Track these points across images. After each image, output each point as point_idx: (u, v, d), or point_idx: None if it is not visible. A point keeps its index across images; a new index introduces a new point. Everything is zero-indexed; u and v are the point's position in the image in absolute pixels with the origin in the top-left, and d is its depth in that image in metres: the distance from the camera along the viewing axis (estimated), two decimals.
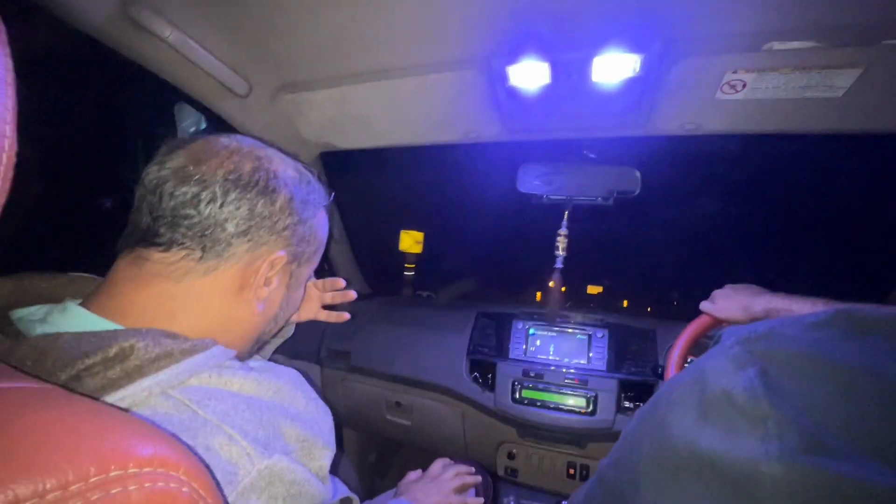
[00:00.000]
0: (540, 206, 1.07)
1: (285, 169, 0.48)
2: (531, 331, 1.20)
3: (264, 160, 0.46)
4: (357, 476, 1.48)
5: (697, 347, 0.92)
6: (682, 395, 0.31)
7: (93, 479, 0.18)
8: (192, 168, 0.42)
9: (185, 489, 0.21)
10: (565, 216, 1.01)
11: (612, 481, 0.35)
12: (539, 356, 1.17)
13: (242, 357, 0.51)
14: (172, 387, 0.36)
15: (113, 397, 0.33)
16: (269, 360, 1.19)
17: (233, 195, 0.43)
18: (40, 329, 0.39)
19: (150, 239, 0.42)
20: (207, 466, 0.31)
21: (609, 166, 0.96)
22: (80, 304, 0.41)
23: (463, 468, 0.84)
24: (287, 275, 0.51)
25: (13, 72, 0.28)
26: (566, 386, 1.09)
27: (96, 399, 0.31)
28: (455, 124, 0.93)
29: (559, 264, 1.03)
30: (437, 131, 0.96)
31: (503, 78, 0.77)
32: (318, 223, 0.53)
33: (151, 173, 0.43)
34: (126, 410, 0.33)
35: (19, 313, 0.41)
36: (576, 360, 1.13)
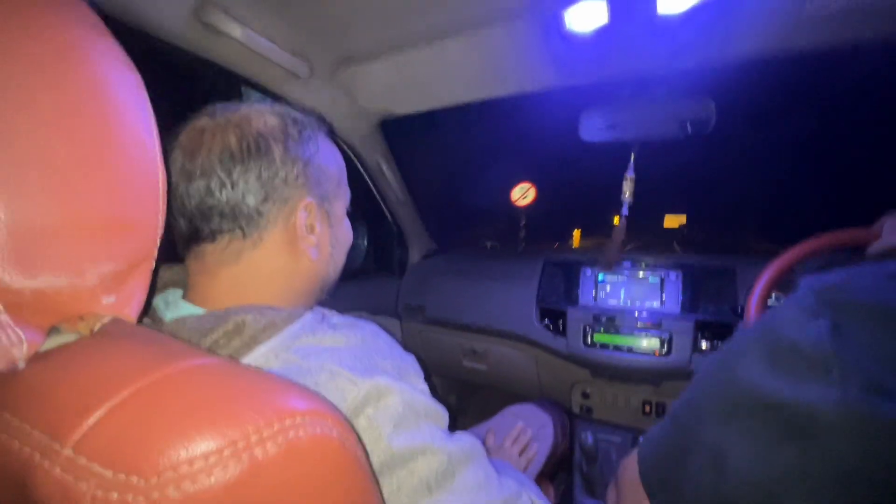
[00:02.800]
0: (609, 147, 1.03)
1: (266, 122, 0.48)
2: (600, 277, 1.21)
3: (244, 124, 0.46)
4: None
5: (785, 284, 0.88)
6: (752, 344, 0.33)
7: (276, 426, 0.25)
8: (189, 164, 0.45)
9: (334, 432, 0.28)
10: (632, 159, 0.97)
11: (682, 419, 0.38)
12: (610, 301, 1.18)
13: (317, 301, 0.57)
14: (282, 350, 0.42)
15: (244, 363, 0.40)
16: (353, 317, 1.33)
17: (236, 172, 0.45)
18: (170, 315, 0.47)
19: (196, 238, 0.47)
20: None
21: (678, 99, 0.90)
22: (183, 298, 0.49)
23: (524, 437, 0.89)
24: (324, 215, 0.53)
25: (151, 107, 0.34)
26: (639, 329, 1.10)
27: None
28: (510, 77, 0.91)
29: (625, 211, 1.00)
30: (492, 86, 0.95)
31: (558, 24, 0.74)
32: (325, 155, 0.53)
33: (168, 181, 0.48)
34: None
35: (155, 302, 0.50)
36: (648, 304, 1.14)
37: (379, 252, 1.58)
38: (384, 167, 1.27)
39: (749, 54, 0.76)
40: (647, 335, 1.09)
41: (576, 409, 1.28)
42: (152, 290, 0.51)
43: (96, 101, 0.29)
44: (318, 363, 0.42)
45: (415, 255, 1.57)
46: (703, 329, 1.04)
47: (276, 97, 0.95)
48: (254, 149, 0.46)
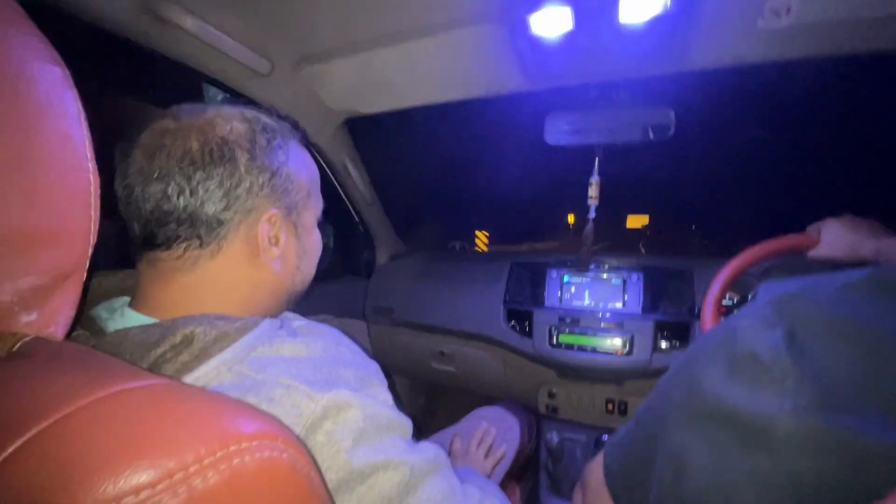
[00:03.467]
0: (571, 150, 1.05)
1: (232, 128, 0.45)
2: (565, 278, 1.23)
3: (207, 129, 0.44)
4: (409, 417, 1.62)
5: (739, 284, 0.92)
6: (712, 352, 0.33)
7: (218, 454, 0.23)
8: (147, 166, 0.42)
9: (284, 455, 0.26)
10: (596, 163, 0.99)
11: (646, 423, 0.39)
12: (574, 302, 1.20)
13: (283, 311, 0.54)
14: (236, 363, 0.39)
15: (189, 378, 0.38)
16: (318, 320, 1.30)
17: (196, 179, 0.42)
18: (111, 326, 0.44)
19: (150, 243, 0.44)
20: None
21: (640, 107, 0.92)
22: (129, 306, 0.46)
23: (489, 438, 0.89)
24: (290, 226, 0.50)
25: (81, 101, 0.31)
26: (602, 329, 1.12)
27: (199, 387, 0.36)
28: (477, 79, 0.91)
29: (592, 214, 1.02)
30: (459, 88, 0.95)
31: (524, 28, 0.74)
32: (296, 164, 0.50)
33: (118, 183, 0.44)
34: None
35: (95, 312, 0.47)
36: (611, 304, 1.16)
37: (345, 253, 1.55)
38: (350, 167, 1.25)
39: (707, 65, 0.79)
40: (610, 335, 1.11)
41: (542, 410, 1.30)
42: (86, 301, 0.47)
43: (12, 99, 0.26)
44: (273, 376, 0.39)
45: (382, 257, 1.55)
46: (662, 329, 1.08)
47: (236, 94, 0.91)
48: (217, 155, 0.43)
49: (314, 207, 0.55)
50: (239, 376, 0.39)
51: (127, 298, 0.48)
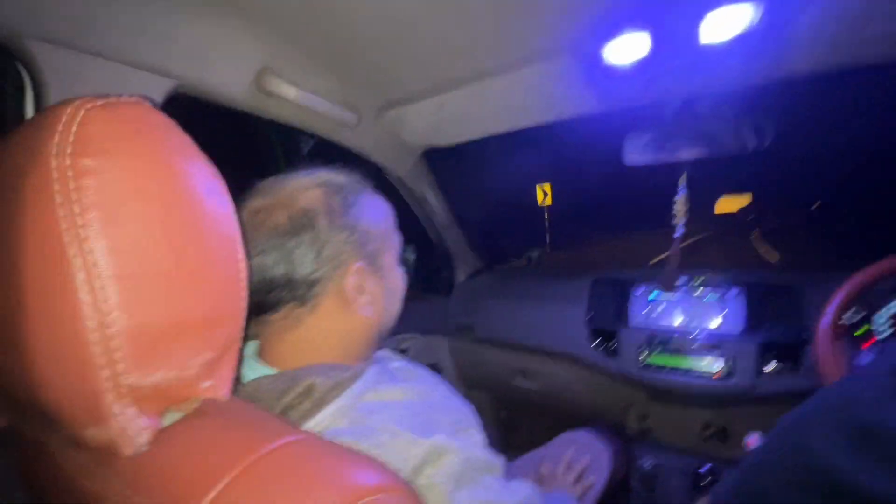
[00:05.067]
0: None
1: (310, 196, 0.51)
2: (652, 295, 1.18)
3: (290, 203, 0.50)
4: (492, 433, 1.65)
5: (864, 299, 0.81)
6: (826, 415, 0.32)
7: None
8: (249, 244, 0.48)
9: None
10: (682, 181, 0.95)
11: (751, 482, 0.38)
12: (664, 321, 1.15)
13: (377, 346, 0.60)
14: (349, 409, 0.46)
15: (311, 424, 0.44)
16: (403, 338, 1.38)
17: (287, 248, 0.49)
18: (247, 374, 0.52)
19: (261, 308, 0.51)
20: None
21: (730, 119, 0.87)
22: (254, 358, 0.54)
23: (578, 465, 0.89)
24: (374, 272, 0.55)
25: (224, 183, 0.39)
26: (696, 350, 1.06)
27: (319, 437, 0.42)
28: (550, 106, 0.92)
29: (678, 232, 0.98)
30: (532, 116, 0.97)
31: (597, 58, 0.74)
32: (370, 216, 0.55)
33: None
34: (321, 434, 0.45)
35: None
36: (706, 324, 1.09)
37: (426, 273, 1.63)
38: (428, 194, 1.31)
39: (800, 72, 0.73)
40: (706, 357, 1.05)
41: (631, 432, 1.25)
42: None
43: (187, 208, 0.34)
44: (381, 422, 0.45)
45: (461, 275, 1.60)
46: (767, 351, 0.99)
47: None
48: (301, 224, 0.49)
49: (393, 247, 0.60)
50: (352, 422, 0.45)
51: (252, 345, 0.57)
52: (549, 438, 1.56)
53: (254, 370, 0.52)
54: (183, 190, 0.34)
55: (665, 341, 1.10)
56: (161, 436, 0.32)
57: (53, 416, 0.31)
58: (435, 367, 1.50)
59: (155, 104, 0.56)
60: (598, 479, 0.88)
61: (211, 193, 0.36)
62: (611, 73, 0.77)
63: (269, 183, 0.54)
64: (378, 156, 1.08)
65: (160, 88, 0.65)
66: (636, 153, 0.93)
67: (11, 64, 0.56)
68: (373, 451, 0.42)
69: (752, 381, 0.99)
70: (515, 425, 1.80)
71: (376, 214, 0.58)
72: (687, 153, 0.93)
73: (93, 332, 0.29)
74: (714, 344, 1.04)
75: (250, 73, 0.73)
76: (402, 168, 1.18)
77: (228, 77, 0.71)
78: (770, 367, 0.98)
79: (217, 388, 0.35)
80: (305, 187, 0.53)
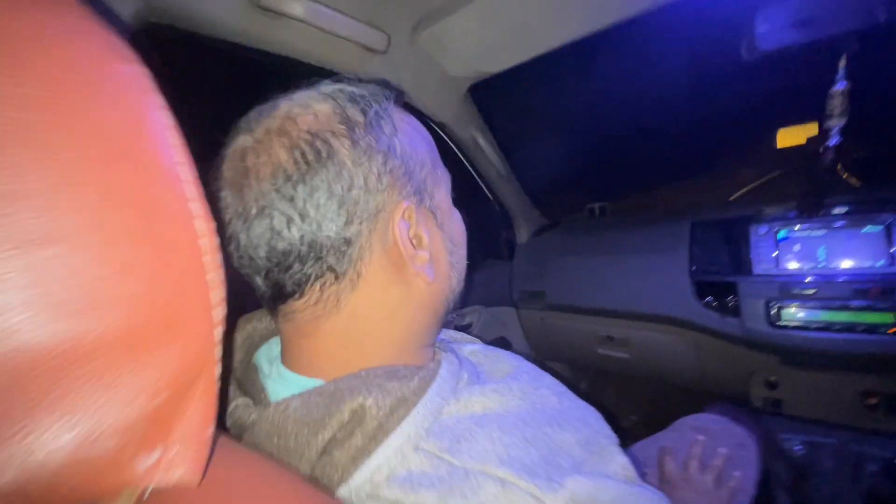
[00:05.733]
0: (783, 59, 0.74)
1: (316, 113, 0.33)
2: (781, 234, 0.92)
3: (288, 127, 0.33)
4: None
5: None
6: None
7: None
8: (240, 203, 0.33)
9: None
10: (842, 64, 0.67)
11: None
12: (802, 264, 0.89)
13: (446, 320, 0.43)
14: (421, 439, 0.30)
15: (368, 468, 0.28)
16: (464, 312, 1.20)
17: (300, 197, 0.32)
18: (271, 389, 0.37)
19: (280, 294, 0.35)
20: None
21: None
22: (282, 363, 0.38)
23: (717, 460, 0.67)
24: (428, 216, 0.39)
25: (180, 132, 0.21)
26: (855, 299, 0.80)
27: None
28: None
29: (834, 139, 0.71)
30: (610, 9, 0.71)
31: None
32: (405, 133, 0.37)
33: (222, 234, 0.34)
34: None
35: (257, 359, 0.41)
36: (867, 263, 0.82)
37: (481, 234, 1.43)
38: (480, 140, 1.09)
39: None
40: (869, 307, 0.79)
41: (757, 403, 1.02)
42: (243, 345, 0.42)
43: (111, 138, 0.16)
44: (478, 461, 0.29)
45: (523, 235, 1.39)
46: None
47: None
48: (311, 156, 0.32)
49: (444, 180, 0.42)
50: (431, 459, 0.29)
51: (276, 344, 0.41)
52: (637, 408, 1.34)
53: (284, 383, 0.36)
54: (103, 110, 0.16)
55: (806, 291, 0.85)
56: None
57: None
58: (504, 343, 1.32)
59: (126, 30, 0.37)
60: (747, 477, 0.67)
61: (149, 124, 0.18)
62: None
63: (254, 112, 0.35)
64: (417, 94, 0.87)
65: (126, 10, 0.48)
66: (771, 34, 0.66)
67: None
68: None
69: None
70: (596, 397, 1.61)
71: (417, 133, 0.39)
72: (844, 24, 0.65)
73: None
74: (882, 289, 0.78)
75: None
76: (448, 109, 0.96)
77: None
78: None
79: (174, 463, 0.18)
80: (307, 103, 0.34)
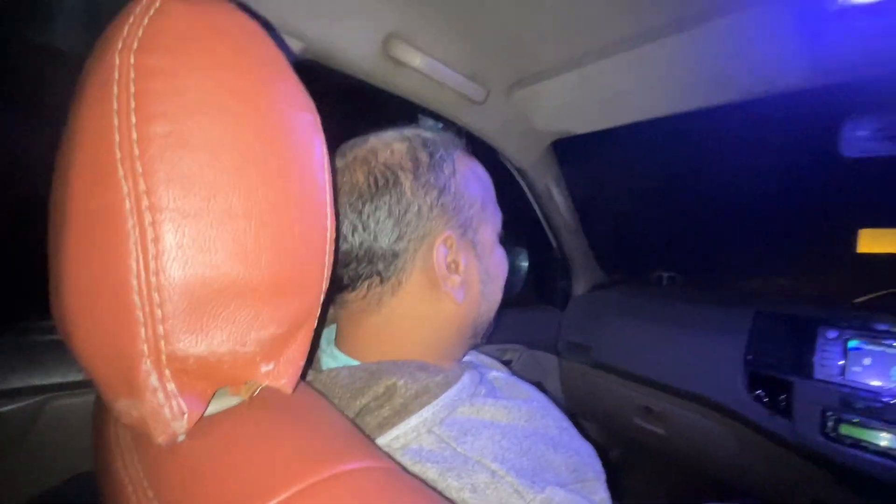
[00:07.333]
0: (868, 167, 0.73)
1: (392, 151, 0.43)
2: (851, 343, 0.87)
3: (369, 158, 0.42)
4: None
5: None
6: None
7: None
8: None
9: None
10: None
11: None
12: (869, 380, 0.83)
13: (471, 346, 0.50)
14: (436, 424, 0.36)
15: (389, 436, 0.35)
16: (506, 348, 1.24)
17: (365, 212, 0.41)
18: (326, 362, 0.46)
19: (338, 286, 0.44)
20: None
21: None
22: (335, 344, 0.47)
23: None
24: (469, 247, 0.45)
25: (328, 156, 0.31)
26: None
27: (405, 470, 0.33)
28: (733, 79, 0.71)
29: None
30: (704, 93, 0.76)
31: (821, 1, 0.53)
32: (465, 177, 0.46)
33: None
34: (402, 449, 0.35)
35: (322, 342, 0.49)
36: None
37: (539, 279, 1.47)
38: (554, 191, 1.16)
39: None
40: None
41: None
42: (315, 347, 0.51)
43: (271, 138, 0.26)
44: (478, 451, 0.35)
45: (580, 287, 1.41)
46: None
47: (448, 122, 0.94)
48: (381, 183, 0.41)
49: (492, 220, 0.49)
50: (439, 442, 0.36)
51: (330, 330, 0.50)
52: (669, 493, 1.29)
53: (334, 358, 0.45)
54: (268, 113, 0.26)
55: (871, 408, 0.80)
56: (203, 426, 0.25)
57: (94, 379, 0.25)
58: (539, 388, 1.34)
59: None
60: None
61: (303, 128, 0.28)
62: (843, 21, 0.55)
63: (351, 142, 0.46)
64: (502, 141, 0.97)
65: (294, 47, 0.63)
66: (859, 142, 0.68)
67: None
68: (464, 496, 0.32)
69: None
70: (629, 469, 1.54)
71: (472, 177, 0.47)
72: None
73: (135, 277, 0.22)
74: None
75: (378, 38, 0.68)
76: (528, 157, 1.05)
77: (356, 41, 0.67)
78: None
79: (280, 374, 0.27)
80: (389, 142, 0.44)
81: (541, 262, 1.43)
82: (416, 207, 0.42)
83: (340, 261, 0.43)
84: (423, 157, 0.43)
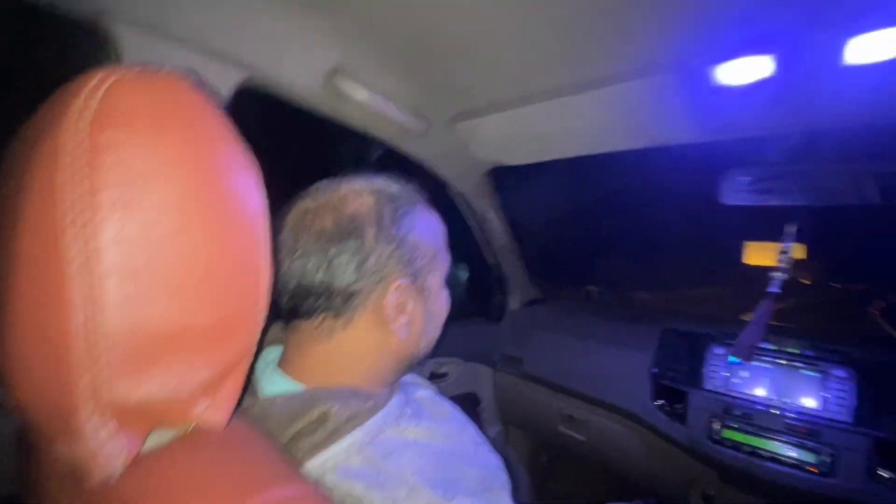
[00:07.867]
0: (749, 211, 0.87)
1: (361, 202, 0.48)
2: (732, 358, 1.01)
3: (340, 206, 0.47)
4: (528, 477, 1.51)
5: None
6: None
7: None
8: (293, 245, 0.47)
9: None
10: (791, 229, 0.80)
11: None
12: (747, 390, 0.97)
13: (405, 373, 0.55)
14: (365, 445, 0.41)
15: (322, 457, 0.39)
16: (443, 361, 1.30)
17: (330, 254, 0.45)
18: (263, 386, 0.48)
19: (295, 314, 0.48)
20: None
21: (859, 166, 0.72)
22: (279, 365, 0.50)
23: None
24: (418, 292, 0.51)
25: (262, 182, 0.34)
26: (787, 433, 0.89)
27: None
28: (639, 131, 0.82)
29: (775, 287, 0.82)
30: (617, 140, 0.87)
31: (705, 77, 0.64)
32: (421, 231, 0.51)
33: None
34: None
35: (258, 366, 0.52)
36: (802, 403, 0.91)
37: (478, 294, 1.55)
38: (489, 214, 1.24)
39: None
40: (799, 444, 0.87)
41: None
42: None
43: (211, 201, 0.29)
44: (398, 468, 0.40)
45: (515, 302, 1.50)
46: (886, 451, 0.80)
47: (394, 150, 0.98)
48: (347, 230, 0.46)
49: (441, 268, 0.55)
50: (366, 461, 0.40)
51: (278, 352, 0.53)
52: (592, 494, 1.39)
53: (272, 383, 0.48)
54: (211, 179, 0.29)
55: (746, 415, 0.93)
56: (139, 463, 0.27)
57: (28, 421, 0.27)
58: (473, 398, 1.41)
59: (221, 97, 0.52)
60: None
61: (243, 187, 0.32)
62: (721, 95, 0.66)
63: (324, 185, 0.51)
64: (443, 169, 1.03)
65: (231, 80, 0.64)
66: (737, 192, 0.80)
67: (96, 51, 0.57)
68: None
69: (861, 485, 0.80)
70: (555, 473, 1.65)
71: (427, 230, 0.53)
72: (798, 198, 0.79)
73: (79, 328, 0.24)
74: (811, 430, 0.86)
75: (322, 71, 0.71)
76: (467, 184, 1.12)
77: (300, 73, 0.69)
78: (887, 472, 0.79)
79: (216, 410, 0.30)
80: (357, 192, 0.49)
81: (479, 278, 1.51)
82: (376, 256, 0.47)
83: (301, 294, 0.47)
84: (388, 211, 0.48)
